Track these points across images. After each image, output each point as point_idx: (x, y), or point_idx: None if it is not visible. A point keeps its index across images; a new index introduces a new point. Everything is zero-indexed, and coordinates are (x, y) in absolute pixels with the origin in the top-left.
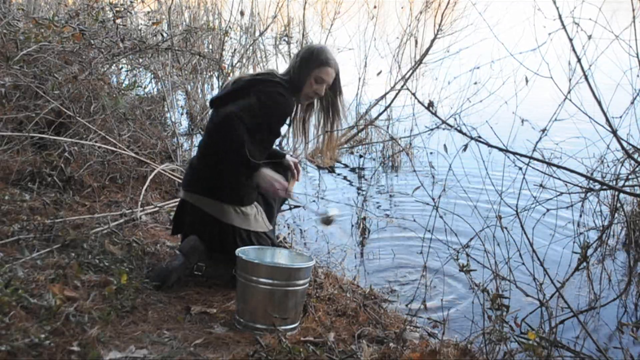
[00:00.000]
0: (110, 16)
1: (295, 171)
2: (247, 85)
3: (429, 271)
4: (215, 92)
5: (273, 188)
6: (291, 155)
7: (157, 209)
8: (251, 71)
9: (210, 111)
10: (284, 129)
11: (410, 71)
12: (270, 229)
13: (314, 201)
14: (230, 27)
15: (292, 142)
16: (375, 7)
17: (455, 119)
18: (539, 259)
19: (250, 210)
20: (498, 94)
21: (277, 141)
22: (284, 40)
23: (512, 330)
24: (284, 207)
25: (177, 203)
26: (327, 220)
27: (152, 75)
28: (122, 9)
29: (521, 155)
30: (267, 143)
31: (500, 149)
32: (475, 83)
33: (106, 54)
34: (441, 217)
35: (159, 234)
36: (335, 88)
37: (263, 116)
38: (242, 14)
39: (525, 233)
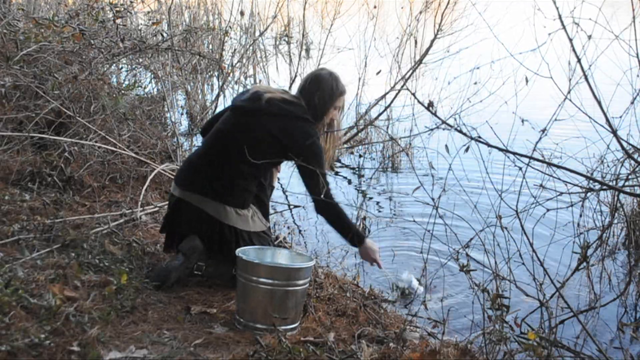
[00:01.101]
0: (110, 16)
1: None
2: (280, 115)
3: (429, 271)
4: (215, 92)
5: (371, 260)
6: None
7: (157, 209)
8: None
9: (227, 113)
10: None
11: (410, 71)
12: (267, 226)
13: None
14: (230, 27)
15: None
16: (375, 7)
17: (455, 119)
18: (539, 259)
19: (248, 212)
20: (498, 94)
21: None
22: (284, 40)
23: (512, 330)
24: (284, 207)
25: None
26: (404, 293)
27: (152, 75)
28: (122, 9)
29: (521, 155)
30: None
31: (500, 149)
32: (475, 83)
33: (106, 54)
34: (441, 217)
35: (159, 234)
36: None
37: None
38: (242, 14)
39: (525, 233)
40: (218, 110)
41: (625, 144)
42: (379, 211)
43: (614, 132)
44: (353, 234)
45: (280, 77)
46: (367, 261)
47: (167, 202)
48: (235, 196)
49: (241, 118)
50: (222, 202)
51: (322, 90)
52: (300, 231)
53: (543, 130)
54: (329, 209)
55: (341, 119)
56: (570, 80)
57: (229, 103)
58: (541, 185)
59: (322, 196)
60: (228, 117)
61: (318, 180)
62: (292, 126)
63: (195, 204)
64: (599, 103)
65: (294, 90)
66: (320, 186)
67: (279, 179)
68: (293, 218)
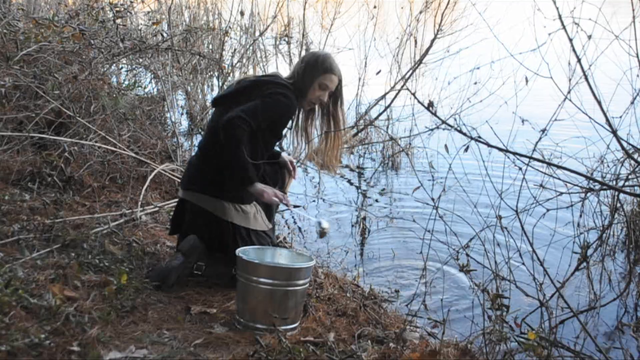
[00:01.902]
0: (110, 16)
1: (291, 168)
2: (251, 85)
3: (429, 271)
4: (216, 92)
5: (267, 198)
6: (287, 154)
7: (157, 209)
8: (252, 72)
9: (212, 110)
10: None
11: (410, 71)
12: (269, 228)
13: (314, 201)
14: (230, 27)
15: (295, 147)
16: (375, 7)
17: (455, 119)
18: (539, 259)
19: (250, 209)
20: (498, 94)
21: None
22: (284, 40)
23: (512, 330)
24: (284, 207)
25: (176, 203)
26: (323, 233)
27: (152, 75)
28: (122, 9)
29: (521, 155)
30: (269, 145)
31: (500, 149)
32: (475, 83)
33: (106, 54)
34: (441, 217)
35: (159, 234)
36: (336, 96)
37: (267, 118)
38: (242, 14)
39: (525, 233)
40: None
41: (625, 144)
42: (379, 211)
43: (614, 132)
44: (245, 171)
45: None
46: (265, 201)
47: (167, 202)
48: (232, 190)
49: (221, 107)
50: (220, 198)
51: (306, 62)
52: (300, 231)
53: (543, 130)
54: (231, 135)
55: (345, 116)
56: (570, 80)
57: None
58: (541, 185)
59: (237, 121)
60: (213, 113)
61: (250, 111)
62: (262, 92)
63: (196, 202)
64: (599, 103)
65: None
66: (249, 109)
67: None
68: (293, 218)
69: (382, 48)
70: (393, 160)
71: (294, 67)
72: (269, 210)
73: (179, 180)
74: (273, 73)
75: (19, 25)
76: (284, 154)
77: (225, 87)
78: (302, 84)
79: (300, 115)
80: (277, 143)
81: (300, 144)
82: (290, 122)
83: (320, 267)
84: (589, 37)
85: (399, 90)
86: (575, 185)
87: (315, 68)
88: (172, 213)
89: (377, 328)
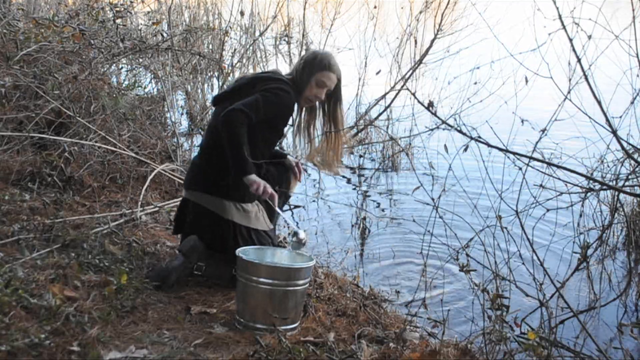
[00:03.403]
0: (110, 16)
1: (297, 171)
2: (250, 82)
3: (429, 271)
4: (216, 92)
5: (260, 189)
6: (292, 156)
7: (157, 209)
8: (252, 72)
9: (212, 109)
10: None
11: (410, 71)
12: (271, 228)
13: (314, 201)
14: (230, 27)
15: (297, 147)
16: (375, 7)
17: (455, 119)
18: (539, 259)
19: (252, 208)
20: (498, 94)
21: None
22: (284, 40)
23: (512, 330)
24: (284, 207)
25: (177, 203)
26: (297, 245)
27: (152, 75)
28: (122, 9)
29: (521, 155)
30: (268, 140)
31: (500, 149)
32: (475, 83)
33: (106, 54)
34: (441, 217)
35: (159, 234)
36: (336, 96)
37: (267, 112)
38: (242, 14)
39: (525, 233)
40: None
41: (625, 144)
42: (380, 211)
43: (614, 132)
44: (237, 162)
45: None
46: (257, 194)
47: (167, 202)
48: (234, 188)
49: (221, 106)
50: (220, 197)
51: (305, 59)
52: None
53: (543, 130)
54: (230, 124)
55: (345, 116)
56: (570, 80)
57: None
58: (541, 185)
59: (237, 113)
60: (214, 112)
61: (250, 105)
62: (261, 87)
63: (198, 202)
64: (599, 103)
65: None
66: (249, 103)
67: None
68: (293, 218)
69: (382, 48)
70: (393, 160)
71: (294, 64)
72: (271, 210)
73: (179, 181)
74: (272, 70)
75: (19, 25)
76: (289, 157)
77: (225, 86)
78: (300, 80)
79: (302, 115)
80: (278, 142)
81: (301, 144)
82: (290, 118)
83: (320, 267)
84: (589, 37)
85: (399, 90)
86: (575, 185)
87: (314, 65)
88: (172, 213)
89: (377, 328)
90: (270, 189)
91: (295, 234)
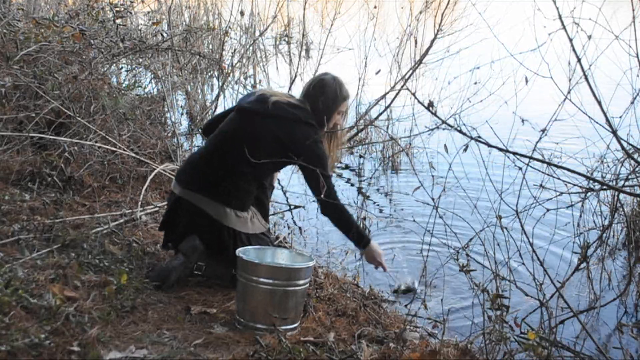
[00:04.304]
0: (110, 16)
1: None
2: (284, 116)
3: (429, 271)
4: (215, 92)
5: (376, 263)
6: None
7: (157, 209)
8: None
9: (232, 114)
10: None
11: (410, 71)
12: (267, 228)
13: (314, 201)
14: (230, 27)
15: None
16: (375, 7)
17: (455, 119)
18: (539, 259)
19: (247, 215)
20: (498, 94)
21: None
22: (284, 40)
23: (512, 330)
24: (284, 207)
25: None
26: (406, 291)
27: (152, 75)
28: (122, 9)
29: (521, 155)
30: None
31: (500, 149)
32: (475, 83)
33: (106, 54)
34: (441, 217)
35: (159, 234)
36: None
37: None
38: (242, 14)
39: (525, 233)
40: (218, 110)
41: (625, 144)
42: (380, 211)
43: (614, 132)
44: (358, 236)
45: (280, 77)
46: (372, 264)
47: (166, 202)
48: (236, 198)
49: (246, 120)
50: (222, 204)
51: (326, 95)
52: (300, 231)
53: (543, 130)
54: (334, 211)
55: (344, 122)
56: (570, 80)
57: (229, 103)
58: (541, 185)
59: (323, 196)
60: (233, 119)
61: (321, 182)
62: (296, 129)
63: (196, 203)
64: (599, 103)
65: (294, 92)
66: (321, 187)
67: (279, 180)
68: (293, 218)
69: (382, 48)
70: (393, 160)
71: (311, 95)
72: (264, 210)
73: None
74: (298, 102)
75: (19, 25)
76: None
77: (225, 86)
78: (326, 116)
79: None
80: None
81: None
82: None
83: (320, 267)
84: (589, 37)
85: (399, 90)
86: (575, 185)
87: (336, 99)
88: None
89: (377, 328)
90: (383, 261)
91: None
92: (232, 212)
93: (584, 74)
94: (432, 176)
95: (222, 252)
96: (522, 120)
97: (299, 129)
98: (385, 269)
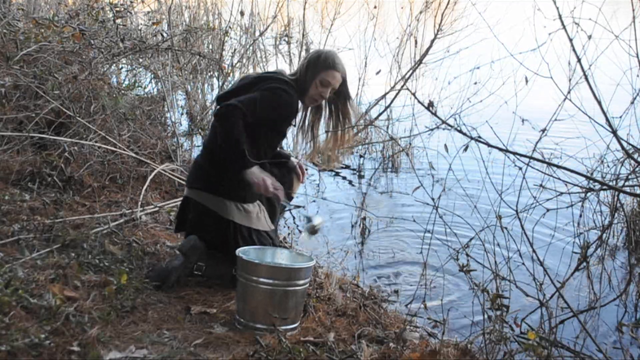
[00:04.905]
0: (110, 16)
1: (300, 173)
2: (253, 82)
3: (429, 271)
4: (216, 92)
5: (263, 186)
6: (294, 157)
7: (157, 209)
8: (253, 72)
9: (213, 109)
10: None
11: (410, 71)
12: (272, 229)
13: (314, 201)
14: (230, 27)
15: (299, 146)
16: (375, 7)
17: (455, 119)
18: (539, 259)
19: (252, 208)
20: (498, 94)
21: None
22: (284, 40)
23: (512, 330)
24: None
25: (177, 203)
26: (313, 230)
27: (152, 75)
28: (122, 9)
29: (521, 155)
30: (271, 141)
31: (500, 149)
32: (475, 83)
33: (106, 54)
34: (441, 217)
35: (159, 234)
36: (343, 93)
37: (265, 110)
38: (242, 14)
39: (525, 233)
40: None
41: (625, 144)
42: (379, 211)
43: (614, 132)
44: (237, 155)
45: None
46: (264, 192)
47: (167, 202)
48: (236, 189)
49: (225, 102)
50: (221, 196)
51: (309, 58)
52: (300, 231)
53: (543, 130)
54: (223, 112)
55: (357, 110)
56: (570, 80)
57: None
58: (541, 185)
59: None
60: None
61: (246, 102)
62: (262, 86)
63: (200, 201)
64: (599, 103)
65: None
66: (245, 102)
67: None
68: (293, 218)
69: (382, 48)
70: (393, 160)
71: (298, 65)
72: (273, 211)
73: (179, 181)
74: (276, 70)
75: (19, 25)
76: (292, 158)
77: (225, 86)
78: (304, 80)
79: (307, 115)
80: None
81: (303, 143)
82: (293, 119)
83: (320, 267)
84: (589, 37)
85: (399, 90)
86: (575, 185)
87: (317, 64)
88: (172, 213)
89: (377, 328)
90: (272, 185)
91: (308, 219)
92: (232, 204)
93: (584, 74)
94: (432, 176)
95: (225, 248)
96: (523, 120)
97: (265, 82)
98: (280, 198)
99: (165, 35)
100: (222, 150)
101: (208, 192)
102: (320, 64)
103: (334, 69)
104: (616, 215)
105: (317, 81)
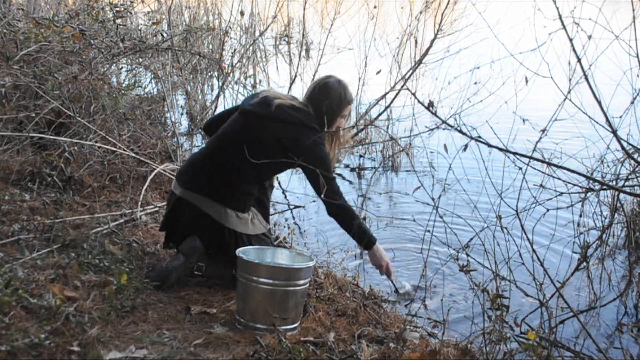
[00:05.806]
0: (110, 16)
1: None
2: (284, 118)
3: (429, 271)
4: (215, 92)
5: (385, 269)
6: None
7: (157, 209)
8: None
9: (235, 116)
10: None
11: (410, 71)
12: (268, 228)
13: (314, 201)
14: (230, 27)
15: None
16: (375, 7)
17: (455, 119)
18: (539, 259)
19: (248, 216)
20: (498, 94)
21: None
22: (284, 40)
23: (512, 330)
24: (284, 207)
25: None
26: (404, 295)
27: (152, 75)
28: (122, 9)
29: (521, 155)
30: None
31: (500, 149)
32: (475, 83)
33: (106, 54)
34: (441, 217)
35: (159, 234)
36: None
37: (315, 163)
38: (242, 14)
39: (525, 233)
40: (218, 110)
41: (625, 144)
42: (379, 211)
43: (614, 132)
44: (360, 236)
45: (280, 77)
46: (376, 267)
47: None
48: (238, 200)
49: (249, 122)
50: (223, 205)
51: (330, 99)
52: (300, 231)
53: (543, 130)
54: (337, 211)
55: (347, 124)
56: (570, 80)
57: (229, 103)
58: (541, 185)
59: (324, 197)
60: (235, 121)
61: (327, 184)
62: (298, 133)
63: (197, 204)
64: (599, 103)
65: (294, 92)
66: (321, 187)
67: (278, 179)
68: (293, 218)
69: (382, 48)
70: (393, 160)
71: (315, 98)
72: (265, 210)
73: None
74: (302, 106)
75: (19, 25)
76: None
77: (225, 86)
78: (329, 119)
79: None
80: None
81: None
82: None
83: (320, 267)
84: (589, 37)
85: (399, 90)
86: (575, 185)
87: (340, 103)
88: None
89: (377, 328)
90: (391, 267)
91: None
92: (232, 213)
93: (584, 74)
94: (432, 176)
95: (223, 252)
96: (523, 120)
97: (301, 132)
98: (390, 276)
99: (165, 35)
100: (351, 233)
101: (208, 197)
102: (344, 103)
103: (352, 102)
104: (616, 215)
105: (340, 117)
